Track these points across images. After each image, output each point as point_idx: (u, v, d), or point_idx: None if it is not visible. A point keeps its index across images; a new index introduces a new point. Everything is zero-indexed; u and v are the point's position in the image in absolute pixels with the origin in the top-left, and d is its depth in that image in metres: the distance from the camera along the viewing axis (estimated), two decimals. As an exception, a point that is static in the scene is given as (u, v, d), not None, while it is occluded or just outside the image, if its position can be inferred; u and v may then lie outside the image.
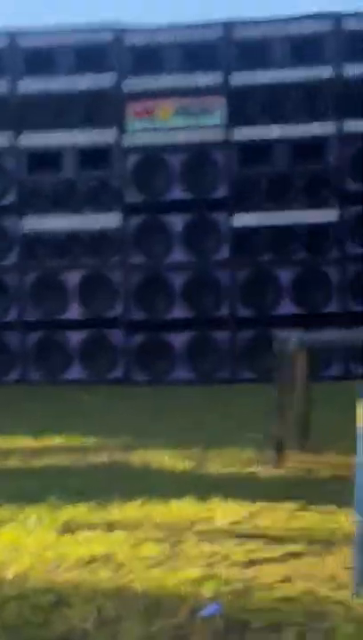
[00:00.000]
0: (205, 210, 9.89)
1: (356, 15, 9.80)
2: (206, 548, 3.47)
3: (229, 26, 9.88)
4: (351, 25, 9.78)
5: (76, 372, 9.83)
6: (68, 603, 2.90)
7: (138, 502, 4.25)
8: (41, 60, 10.01)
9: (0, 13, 18.51)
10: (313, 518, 3.88)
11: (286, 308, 9.76)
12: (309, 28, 9.80)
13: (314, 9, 9.90)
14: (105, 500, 4.31)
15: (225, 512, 4.06)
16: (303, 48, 9.77)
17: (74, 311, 9.93)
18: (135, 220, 9.96)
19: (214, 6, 10.43)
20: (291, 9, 10.12)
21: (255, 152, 9.81)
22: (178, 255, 9.90)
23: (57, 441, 6.26)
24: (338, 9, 9.88)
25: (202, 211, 9.89)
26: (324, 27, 9.80)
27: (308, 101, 9.78)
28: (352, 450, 3.58)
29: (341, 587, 2.95)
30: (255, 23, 9.87)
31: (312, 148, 9.78)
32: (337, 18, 9.81)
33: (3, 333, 10.07)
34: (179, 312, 9.88)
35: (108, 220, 9.93)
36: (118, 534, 3.73)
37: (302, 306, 9.76)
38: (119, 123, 9.93)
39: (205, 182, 9.90)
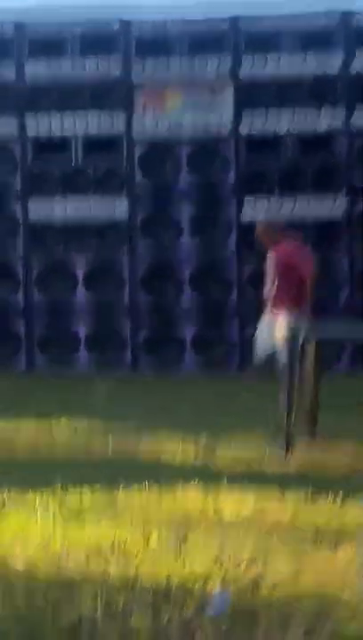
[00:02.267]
0: (213, 202, 9.86)
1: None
2: (215, 541, 3.47)
3: (238, 18, 9.81)
4: (360, 19, 9.72)
5: (83, 361, 9.89)
6: (77, 591, 2.91)
7: (146, 492, 4.28)
8: (49, 45, 9.93)
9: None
10: (321, 513, 3.88)
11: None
12: (318, 22, 9.73)
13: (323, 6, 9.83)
14: (111, 488, 4.35)
15: (234, 505, 4.06)
16: (313, 40, 9.69)
17: (81, 297, 9.97)
18: (142, 209, 9.95)
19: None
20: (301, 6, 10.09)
21: (263, 145, 9.78)
22: (185, 246, 9.91)
23: (64, 426, 6.30)
24: (347, 5, 9.81)
25: (210, 202, 9.87)
26: (333, 20, 9.73)
27: (316, 94, 9.73)
28: (361, 445, 3.62)
29: (348, 584, 2.98)
30: (263, 17, 9.80)
31: (321, 140, 9.73)
32: (346, 13, 9.74)
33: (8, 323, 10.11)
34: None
35: (116, 210, 9.93)
36: (125, 522, 3.75)
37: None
38: (127, 110, 9.89)
39: (211, 172, 9.89)
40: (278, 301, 6.87)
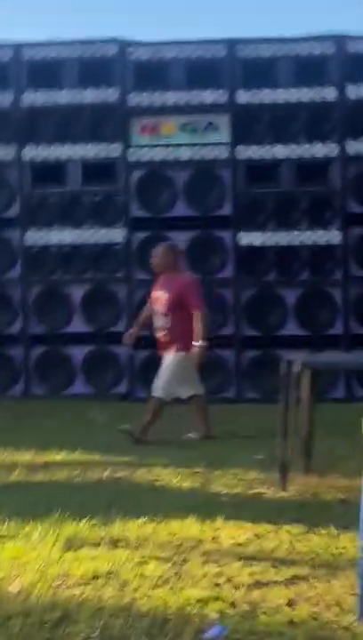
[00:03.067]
0: (210, 227, 9.90)
1: (360, 38, 9.84)
2: (212, 568, 3.47)
3: (234, 43, 9.90)
4: (355, 47, 9.81)
5: (79, 387, 9.87)
6: (74, 620, 2.91)
7: (142, 520, 4.25)
8: (45, 72, 10.00)
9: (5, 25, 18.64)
10: (318, 541, 3.88)
11: (291, 328, 9.78)
12: (313, 49, 9.81)
13: (318, 30, 9.93)
14: (108, 516, 4.31)
15: (230, 533, 4.06)
16: (308, 69, 9.77)
17: (78, 325, 9.98)
18: (139, 235, 9.97)
19: (222, 24, 10.44)
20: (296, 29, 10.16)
21: (260, 171, 9.82)
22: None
23: (60, 456, 6.25)
24: (343, 30, 9.89)
25: (207, 228, 9.89)
26: (328, 48, 9.82)
27: (311, 122, 9.80)
28: (357, 472, 3.63)
29: (346, 612, 2.98)
30: (261, 42, 9.89)
31: (316, 168, 9.79)
32: (341, 39, 9.83)
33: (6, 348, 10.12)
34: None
35: (113, 235, 9.97)
36: (121, 552, 3.72)
37: (306, 327, 9.77)
38: (124, 137, 9.95)
39: (208, 200, 9.93)
40: (176, 336, 6.90)
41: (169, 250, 7.31)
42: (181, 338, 6.93)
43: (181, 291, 7.00)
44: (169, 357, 7.00)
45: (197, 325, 6.87)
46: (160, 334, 7.09)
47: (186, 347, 6.93)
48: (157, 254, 7.28)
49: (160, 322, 7.09)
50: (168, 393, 7.02)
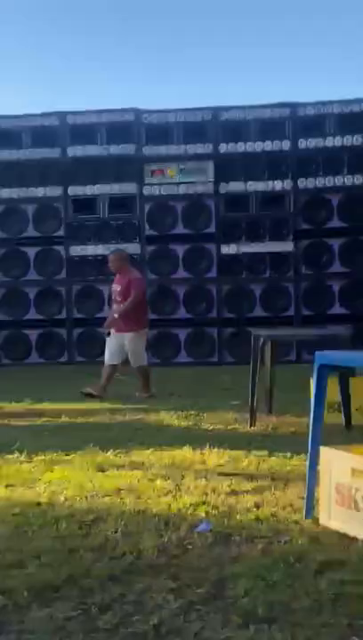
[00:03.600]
0: (200, 241, 9.84)
1: (308, 104, 9.76)
2: (201, 482, 3.47)
3: (216, 110, 9.83)
4: (304, 111, 9.73)
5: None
6: (104, 520, 2.91)
7: (152, 449, 4.22)
8: (83, 132, 9.93)
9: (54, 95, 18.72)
10: (276, 462, 3.87)
11: (257, 312, 9.74)
12: (274, 113, 9.73)
13: (278, 99, 9.90)
14: (128, 447, 4.29)
15: (214, 457, 4.04)
16: (270, 127, 9.70)
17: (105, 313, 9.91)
18: (150, 248, 9.94)
19: (207, 95, 10.36)
20: (262, 98, 10.08)
21: (235, 201, 9.77)
22: (180, 273, 9.90)
23: (94, 405, 6.19)
24: (295, 99, 9.84)
25: (198, 242, 9.84)
26: (284, 112, 9.74)
27: (272, 165, 9.71)
28: (304, 413, 3.60)
29: (296, 511, 2.97)
30: (236, 108, 9.82)
31: (275, 198, 9.74)
32: (294, 105, 9.76)
33: (55, 329, 10.06)
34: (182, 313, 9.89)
35: (131, 249, 9.90)
36: (138, 472, 3.71)
37: (268, 311, 9.72)
38: (139, 178, 9.87)
39: (199, 222, 9.86)
40: (130, 320, 6.58)
41: (119, 255, 7.10)
42: (131, 320, 6.63)
43: (128, 284, 6.80)
44: (123, 335, 6.67)
45: (128, 307, 6.58)
46: (115, 316, 6.74)
47: (136, 327, 6.65)
48: (111, 259, 7.05)
49: (115, 307, 6.91)
50: (111, 360, 6.68)
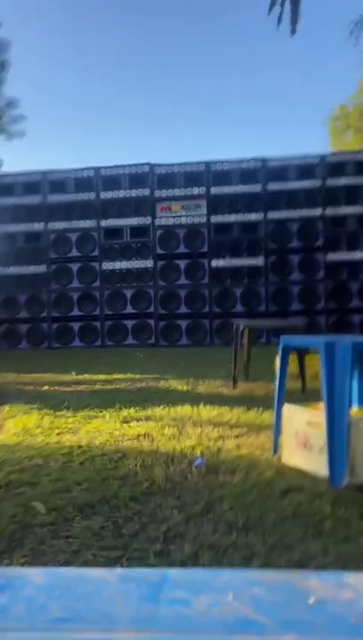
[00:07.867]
0: (197, 258, 9.81)
1: (275, 158, 9.70)
2: (197, 430, 3.46)
3: (209, 163, 9.75)
4: (272, 164, 9.66)
5: (130, 339, 9.76)
6: (127, 457, 2.91)
7: (162, 407, 4.25)
8: (111, 181, 9.90)
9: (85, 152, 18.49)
10: (253, 415, 3.86)
11: (238, 308, 9.70)
12: (249, 165, 9.68)
13: (253, 154, 9.79)
14: (145, 405, 4.32)
15: (207, 411, 4.05)
16: (247, 175, 9.64)
17: (128, 310, 9.90)
18: (161, 263, 9.90)
19: (204, 151, 10.28)
20: (242, 153, 9.97)
21: (222, 229, 9.71)
22: (182, 281, 9.85)
23: (120, 376, 6.25)
24: (266, 154, 9.76)
25: (195, 258, 9.81)
26: (257, 164, 9.70)
27: (249, 202, 9.67)
28: (272, 381, 3.58)
29: (266, 451, 2.96)
30: (222, 162, 9.74)
31: (251, 226, 9.67)
32: (264, 159, 9.70)
33: (92, 322, 10.05)
34: (184, 309, 9.86)
35: (147, 264, 9.89)
36: (152, 423, 3.74)
37: (246, 307, 9.68)
38: (152, 213, 9.85)
39: (196, 244, 9.84)
40: None
41: None
42: None
43: None
44: None
45: None
46: None
47: None
48: None
49: None
50: None
